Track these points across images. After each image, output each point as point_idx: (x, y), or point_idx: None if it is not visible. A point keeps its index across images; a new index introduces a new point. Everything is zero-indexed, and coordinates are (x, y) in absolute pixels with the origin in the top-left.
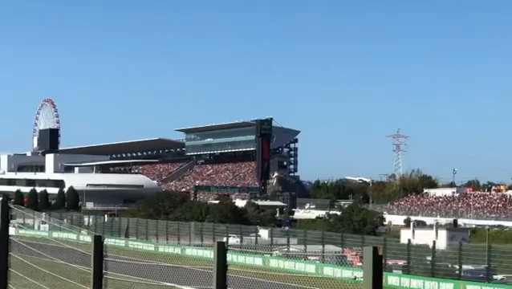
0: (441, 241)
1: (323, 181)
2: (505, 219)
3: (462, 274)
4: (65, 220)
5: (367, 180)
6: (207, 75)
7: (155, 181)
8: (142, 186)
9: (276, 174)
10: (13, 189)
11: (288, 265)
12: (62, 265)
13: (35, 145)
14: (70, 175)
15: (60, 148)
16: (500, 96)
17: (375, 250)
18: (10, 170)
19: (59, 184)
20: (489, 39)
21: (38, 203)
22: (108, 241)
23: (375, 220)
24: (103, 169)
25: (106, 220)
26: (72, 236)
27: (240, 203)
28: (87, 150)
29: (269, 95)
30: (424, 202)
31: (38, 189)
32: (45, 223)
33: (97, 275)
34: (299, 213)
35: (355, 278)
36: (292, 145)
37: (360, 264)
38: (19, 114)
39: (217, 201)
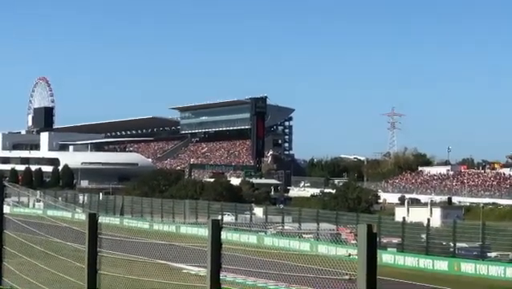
0: (436, 219)
1: (318, 159)
2: (499, 197)
3: (456, 251)
4: (60, 198)
5: (362, 158)
6: (202, 53)
7: (149, 160)
8: (137, 164)
9: (271, 152)
10: (7, 167)
11: (283, 243)
12: (57, 243)
13: (30, 124)
14: (65, 153)
15: (55, 126)
16: (495, 74)
17: (369, 227)
18: (4, 148)
19: (54, 162)
20: (486, 19)
21: (32, 181)
22: (103, 219)
23: (370, 198)
24: (98, 148)
25: (101, 198)
26: (67, 214)
27: (235, 181)
28: (82, 128)
29: (264, 73)
30: (419, 180)
31: (33, 168)
32: (40, 201)
33: (92, 253)
34: (294, 192)
35: (350, 255)
36: (287, 123)
37: (355, 242)
38: (14, 92)
39: (211, 180)
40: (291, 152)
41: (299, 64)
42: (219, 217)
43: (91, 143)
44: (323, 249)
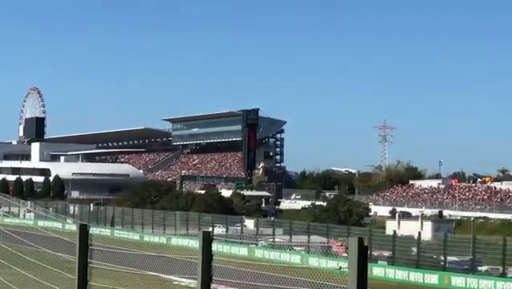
0: (427, 232)
1: (309, 172)
2: (490, 211)
3: (447, 265)
4: (50, 209)
5: (354, 171)
6: (193, 65)
7: (141, 171)
8: (128, 175)
9: (262, 164)
10: None
11: (273, 255)
12: (47, 253)
13: (21, 134)
14: (55, 164)
15: (46, 136)
16: (487, 87)
17: (360, 240)
18: None
19: (45, 172)
20: (477, 32)
21: (23, 192)
22: (94, 230)
23: (361, 211)
24: (89, 158)
25: (91, 209)
26: (58, 225)
27: (226, 193)
28: (73, 139)
29: (255, 86)
30: (410, 193)
31: (24, 178)
32: (30, 212)
33: (82, 264)
34: (285, 204)
35: (341, 268)
36: (278, 136)
37: (346, 254)
38: (5, 102)
39: (202, 191)
40: (283, 164)
41: (291, 77)
42: (210, 229)
43: (82, 153)
44: (314, 261)
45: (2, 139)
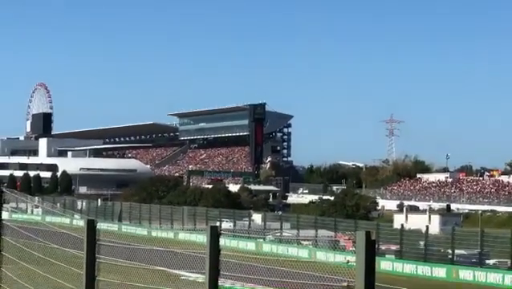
0: (434, 226)
1: (317, 166)
2: (497, 204)
3: (455, 258)
4: (58, 204)
5: (361, 165)
6: (200, 60)
7: (148, 166)
8: (135, 171)
9: (269, 159)
10: (6, 173)
11: (281, 249)
12: (55, 249)
13: (28, 129)
14: (63, 159)
15: (53, 132)
16: (495, 81)
17: (368, 234)
18: (2, 154)
19: (52, 168)
20: (484, 25)
21: (31, 187)
22: (101, 225)
23: (368, 205)
24: (97, 154)
25: (99, 204)
26: (65, 220)
27: (233, 188)
28: (81, 134)
29: (262, 80)
30: (418, 187)
31: (32, 173)
32: (38, 207)
33: (90, 259)
34: (292, 198)
35: (348, 262)
36: (285, 130)
37: (353, 248)
38: (12, 98)
39: (210, 186)
40: (290, 158)
41: (298, 71)
42: (217, 224)
43: (89, 149)
44: (322, 255)
45: (9, 135)
